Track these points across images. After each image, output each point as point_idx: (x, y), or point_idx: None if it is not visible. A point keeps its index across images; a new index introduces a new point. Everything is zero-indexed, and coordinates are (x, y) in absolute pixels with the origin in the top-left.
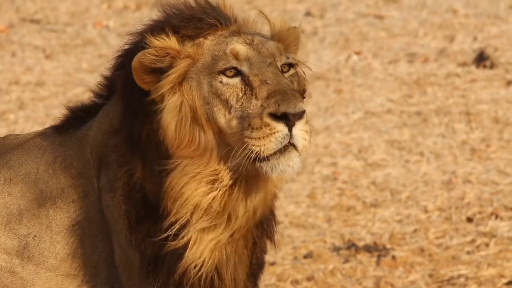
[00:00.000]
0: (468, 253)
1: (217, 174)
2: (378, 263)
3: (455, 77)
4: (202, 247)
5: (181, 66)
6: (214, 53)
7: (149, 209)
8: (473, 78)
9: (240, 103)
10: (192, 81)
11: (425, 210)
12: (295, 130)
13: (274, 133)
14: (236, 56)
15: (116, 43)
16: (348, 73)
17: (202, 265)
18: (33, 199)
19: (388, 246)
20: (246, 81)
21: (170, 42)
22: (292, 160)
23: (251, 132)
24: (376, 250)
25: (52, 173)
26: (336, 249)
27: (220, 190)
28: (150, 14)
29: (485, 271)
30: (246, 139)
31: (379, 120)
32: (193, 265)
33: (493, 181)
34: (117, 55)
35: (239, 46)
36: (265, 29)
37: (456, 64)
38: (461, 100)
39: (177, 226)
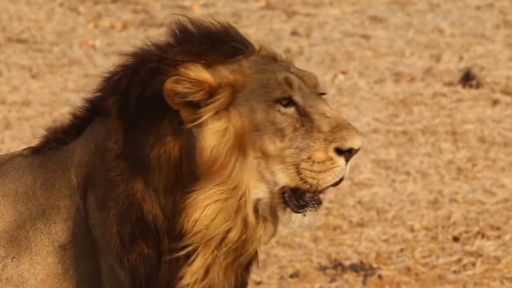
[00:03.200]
0: (454, 272)
1: (242, 203)
2: (364, 283)
3: (441, 96)
4: (202, 271)
5: (225, 94)
6: (263, 81)
7: (144, 230)
8: (459, 97)
9: (298, 134)
10: (242, 107)
11: (412, 230)
12: (348, 164)
13: (336, 167)
14: (290, 86)
15: (102, 63)
16: (334, 92)
17: (194, 284)
18: (12, 221)
19: (375, 265)
20: (301, 112)
21: (205, 74)
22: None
23: (311, 165)
24: (362, 269)
25: (32, 194)
26: (323, 269)
27: (242, 222)
28: (136, 33)
29: None
30: (303, 171)
31: (365, 139)
32: (188, 286)
33: (479, 201)
34: (111, 76)
35: (291, 76)
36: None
37: (442, 84)
38: (447, 119)
39: (188, 249)
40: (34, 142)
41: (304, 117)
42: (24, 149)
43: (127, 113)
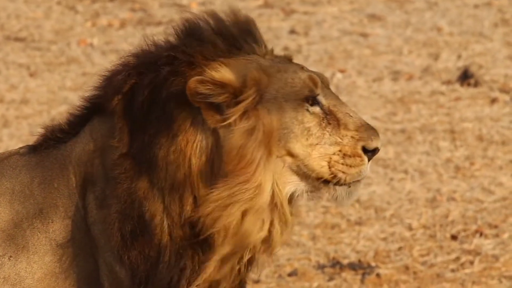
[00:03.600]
0: (452, 271)
1: (278, 202)
2: (362, 281)
3: (440, 95)
4: (212, 269)
5: (253, 94)
6: (287, 80)
7: (145, 228)
8: (457, 96)
9: (325, 132)
10: (271, 105)
11: (410, 228)
12: (369, 164)
13: (362, 165)
14: (315, 85)
15: (100, 61)
16: (332, 90)
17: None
18: (8, 220)
19: (373, 264)
20: (326, 111)
21: (230, 76)
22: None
23: (343, 158)
24: (360, 268)
25: (29, 193)
26: (321, 267)
27: (280, 222)
28: (134, 32)
29: None
30: (334, 163)
31: None
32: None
33: (477, 199)
34: (112, 76)
35: (314, 75)
36: None
37: (440, 82)
38: (445, 118)
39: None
40: (32, 141)
41: (329, 116)
42: (21, 148)
43: (133, 113)
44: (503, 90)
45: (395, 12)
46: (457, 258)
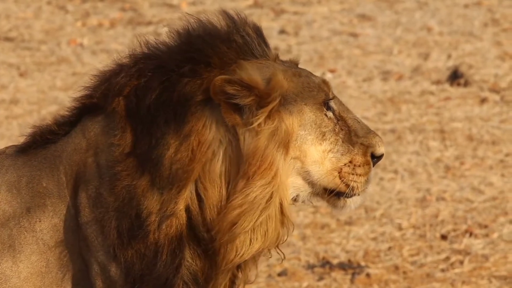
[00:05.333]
0: (442, 270)
1: (285, 205)
2: (352, 281)
3: (429, 94)
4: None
5: (277, 97)
6: (304, 84)
7: (141, 226)
8: (447, 96)
9: (339, 138)
10: (292, 108)
11: (400, 228)
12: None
13: (370, 171)
14: (329, 89)
15: (90, 61)
16: None
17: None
18: None
19: (363, 263)
20: (337, 116)
21: (257, 78)
22: None
23: (354, 168)
24: (350, 267)
25: (16, 193)
26: (311, 267)
27: (283, 224)
28: (124, 32)
29: None
30: (345, 175)
31: None
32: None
33: (467, 199)
34: (108, 76)
35: (327, 80)
36: None
37: (430, 82)
38: (435, 117)
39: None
40: (22, 141)
41: (341, 121)
42: (7, 147)
43: (137, 114)
44: (493, 90)
45: (385, 12)
46: (447, 258)
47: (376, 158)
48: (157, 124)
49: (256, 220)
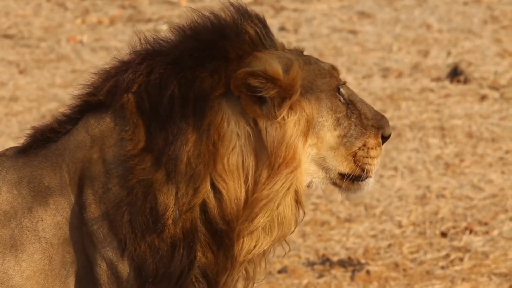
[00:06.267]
0: (442, 268)
1: (301, 191)
2: (352, 278)
3: (429, 92)
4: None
5: (299, 86)
6: (315, 71)
7: (157, 220)
8: (447, 93)
9: (351, 122)
10: (310, 96)
11: (399, 225)
12: None
13: (381, 153)
14: (339, 74)
15: (90, 58)
16: None
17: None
18: None
19: (363, 261)
20: (347, 101)
21: (279, 70)
22: None
23: (368, 151)
24: (350, 265)
25: (17, 193)
26: (311, 264)
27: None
28: (124, 29)
29: (459, 286)
30: (360, 158)
31: None
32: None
33: (467, 196)
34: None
35: (335, 65)
36: None
37: (430, 79)
38: (435, 115)
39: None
40: (22, 138)
41: (351, 105)
42: (7, 149)
43: (151, 110)
44: (493, 87)
45: (385, 9)
46: (447, 255)
47: (384, 138)
48: (173, 119)
49: (277, 209)
